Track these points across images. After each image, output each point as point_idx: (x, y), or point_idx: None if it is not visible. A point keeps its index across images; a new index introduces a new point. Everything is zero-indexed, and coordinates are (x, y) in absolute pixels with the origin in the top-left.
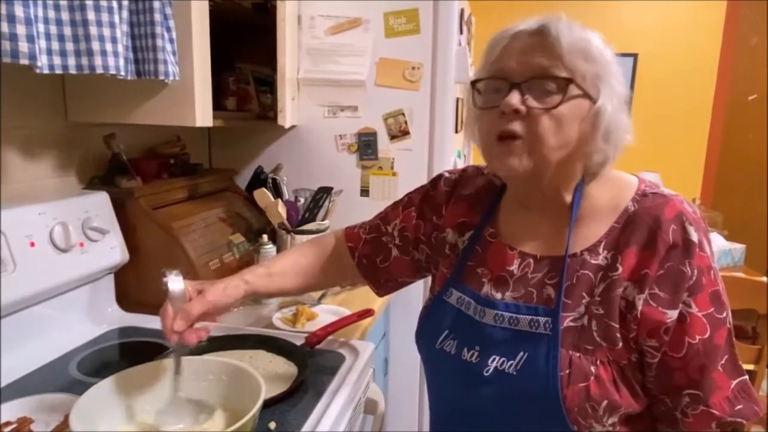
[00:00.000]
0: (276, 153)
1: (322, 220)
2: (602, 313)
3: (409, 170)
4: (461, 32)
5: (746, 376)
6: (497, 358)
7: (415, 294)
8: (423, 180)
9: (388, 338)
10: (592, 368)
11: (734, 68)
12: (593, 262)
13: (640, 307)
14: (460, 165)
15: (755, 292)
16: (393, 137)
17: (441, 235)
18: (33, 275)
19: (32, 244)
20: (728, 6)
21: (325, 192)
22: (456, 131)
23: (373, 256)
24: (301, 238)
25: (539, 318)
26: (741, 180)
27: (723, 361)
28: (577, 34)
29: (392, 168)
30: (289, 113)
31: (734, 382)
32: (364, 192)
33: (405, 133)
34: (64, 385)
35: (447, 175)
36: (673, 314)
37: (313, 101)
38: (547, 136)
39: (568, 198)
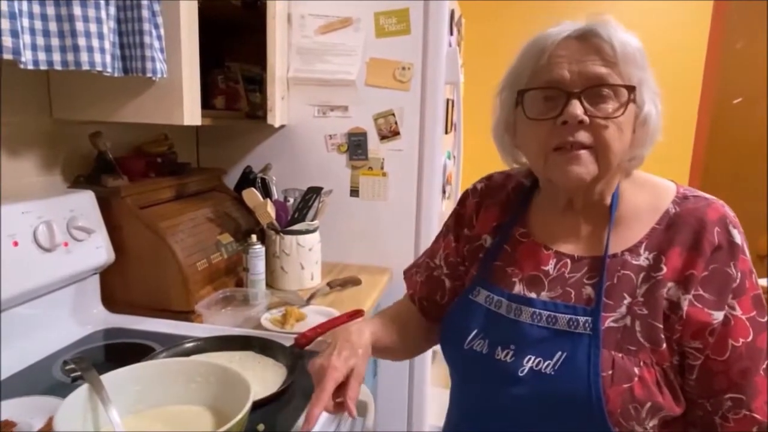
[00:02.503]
0: (265, 152)
1: (312, 221)
2: (646, 313)
3: (399, 171)
4: (451, 33)
5: None
6: (533, 358)
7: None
8: (413, 180)
9: None
10: (636, 369)
11: (720, 71)
12: (634, 262)
13: (685, 308)
14: (450, 166)
15: None
16: (383, 137)
17: (476, 243)
18: (16, 275)
19: (15, 244)
20: (714, 10)
21: (314, 192)
22: (446, 132)
23: (432, 296)
24: (290, 239)
25: (578, 317)
26: (727, 182)
27: (765, 366)
28: (626, 39)
29: (382, 168)
30: (278, 112)
31: None
32: (354, 192)
33: (395, 133)
34: (48, 387)
35: (473, 187)
36: (718, 316)
37: (303, 101)
38: (613, 144)
39: (608, 200)
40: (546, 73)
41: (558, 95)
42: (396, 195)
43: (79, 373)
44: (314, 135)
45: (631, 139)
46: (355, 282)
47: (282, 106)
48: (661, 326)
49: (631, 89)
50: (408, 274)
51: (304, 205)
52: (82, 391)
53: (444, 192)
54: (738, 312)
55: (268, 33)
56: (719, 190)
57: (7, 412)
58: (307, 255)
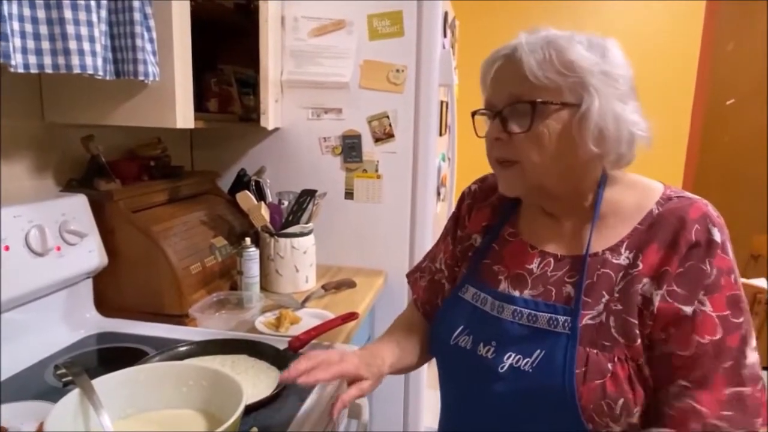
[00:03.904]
0: (259, 155)
1: (306, 223)
2: (620, 308)
3: (393, 173)
4: (445, 35)
5: (750, 390)
6: (513, 355)
7: (400, 297)
8: (407, 182)
9: (372, 342)
10: (609, 365)
11: (713, 73)
12: (615, 261)
13: (657, 303)
14: (445, 168)
15: None
16: (377, 140)
17: (467, 243)
18: (8, 280)
19: (7, 248)
20: (706, 12)
21: (309, 194)
22: (440, 134)
23: (434, 300)
24: (284, 241)
25: (558, 316)
26: (720, 182)
27: (727, 365)
28: (544, 51)
29: (377, 171)
30: (272, 115)
31: (733, 389)
32: (349, 195)
33: (389, 135)
34: (39, 392)
35: (467, 189)
36: (687, 310)
37: (296, 103)
38: (530, 156)
39: (590, 200)
40: (485, 93)
41: (490, 115)
42: (390, 197)
43: (70, 378)
44: (308, 137)
45: (571, 143)
46: (350, 284)
47: (275, 109)
48: (636, 321)
49: (535, 104)
50: (412, 278)
51: (299, 208)
52: (73, 395)
53: (438, 194)
54: (708, 308)
55: (261, 35)
56: (713, 191)
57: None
58: (301, 258)
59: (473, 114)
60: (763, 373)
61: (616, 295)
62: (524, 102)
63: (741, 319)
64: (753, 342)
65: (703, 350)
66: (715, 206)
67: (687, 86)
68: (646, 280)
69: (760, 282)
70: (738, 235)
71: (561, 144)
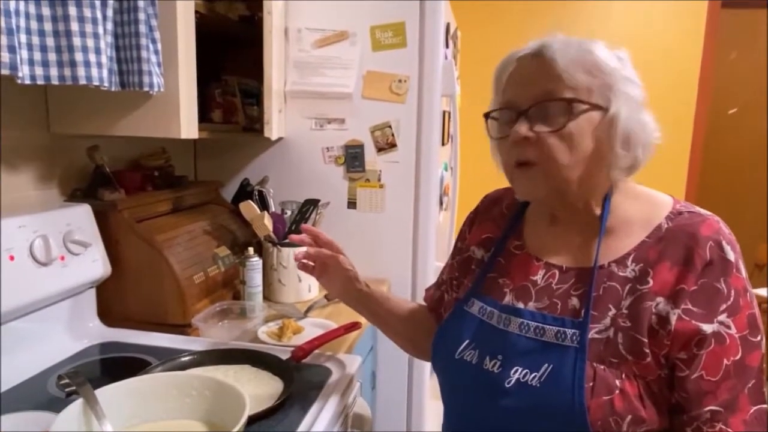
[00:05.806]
0: (262, 165)
1: None
2: (629, 326)
3: (396, 182)
4: (447, 46)
5: (766, 406)
6: (520, 370)
7: None
8: (410, 192)
9: (375, 351)
10: (617, 382)
11: (715, 82)
12: (621, 274)
13: (674, 323)
14: (447, 177)
15: None
16: (380, 149)
17: (465, 254)
18: (12, 289)
19: (12, 258)
20: (707, 21)
21: (311, 204)
22: (443, 143)
23: (437, 309)
24: (287, 251)
25: (566, 330)
26: (723, 191)
27: (750, 385)
28: (575, 50)
29: (379, 180)
30: (275, 125)
31: (754, 408)
32: (352, 204)
33: (392, 145)
34: (42, 402)
35: (475, 208)
36: (706, 328)
37: (299, 113)
38: (560, 157)
39: (598, 210)
40: (504, 94)
41: (512, 115)
42: (393, 206)
43: (73, 388)
44: (311, 147)
45: (598, 146)
46: None
47: (279, 119)
48: (645, 340)
49: (572, 101)
50: (429, 287)
51: (302, 218)
52: (77, 405)
53: (441, 203)
54: (733, 331)
55: (265, 47)
56: (716, 200)
57: (2, 427)
58: None
59: (486, 115)
60: None
61: (624, 311)
62: (557, 100)
63: (758, 338)
64: None
65: (727, 371)
66: (720, 215)
67: (689, 95)
68: (660, 299)
69: (763, 292)
70: (741, 244)
71: (588, 146)
